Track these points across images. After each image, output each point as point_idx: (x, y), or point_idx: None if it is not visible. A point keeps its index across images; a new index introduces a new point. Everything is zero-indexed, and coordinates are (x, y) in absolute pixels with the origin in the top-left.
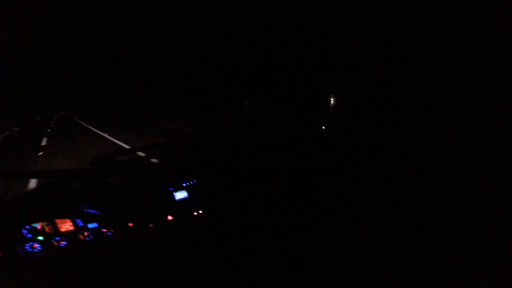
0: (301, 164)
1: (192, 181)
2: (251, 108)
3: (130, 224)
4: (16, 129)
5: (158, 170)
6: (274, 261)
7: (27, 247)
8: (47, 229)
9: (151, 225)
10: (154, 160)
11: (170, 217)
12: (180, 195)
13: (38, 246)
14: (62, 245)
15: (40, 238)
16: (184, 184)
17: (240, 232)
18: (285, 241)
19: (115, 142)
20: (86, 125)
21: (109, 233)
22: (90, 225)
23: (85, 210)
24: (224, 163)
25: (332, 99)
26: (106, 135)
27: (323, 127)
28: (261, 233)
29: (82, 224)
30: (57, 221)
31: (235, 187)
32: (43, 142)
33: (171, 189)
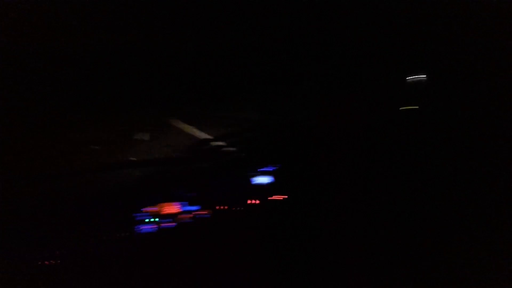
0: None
1: (277, 166)
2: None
3: (218, 207)
4: None
5: (243, 155)
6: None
7: (143, 228)
8: (158, 211)
9: (233, 208)
10: (237, 147)
11: (252, 201)
12: (263, 179)
13: (151, 227)
14: (169, 226)
15: (153, 220)
16: (267, 169)
17: (323, 221)
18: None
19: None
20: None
21: (203, 215)
22: (191, 208)
23: (187, 194)
24: (309, 150)
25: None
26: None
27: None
28: (344, 224)
29: (185, 207)
30: (166, 204)
31: (318, 174)
32: None
33: (254, 173)
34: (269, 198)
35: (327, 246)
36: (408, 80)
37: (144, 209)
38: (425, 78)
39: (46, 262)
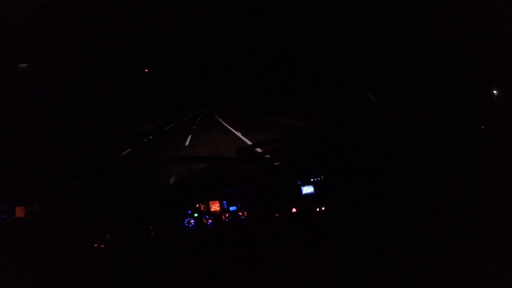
0: (450, 170)
1: (320, 177)
2: (379, 103)
3: (261, 211)
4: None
5: (288, 164)
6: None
7: (185, 222)
8: (202, 207)
9: (277, 215)
10: (283, 154)
11: (294, 210)
12: (307, 189)
13: (192, 222)
14: (209, 223)
15: (196, 215)
16: (311, 179)
17: (363, 235)
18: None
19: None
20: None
21: (243, 217)
22: (231, 208)
23: (229, 193)
24: (353, 162)
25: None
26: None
27: (482, 126)
28: (386, 239)
29: (226, 206)
30: (210, 202)
31: (362, 187)
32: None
33: (299, 182)
34: (315, 208)
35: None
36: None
37: (189, 206)
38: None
39: (96, 245)
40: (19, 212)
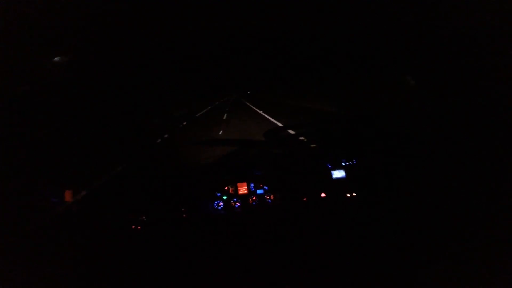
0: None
1: (352, 161)
2: (416, 87)
3: (288, 194)
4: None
5: (318, 147)
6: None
7: (214, 205)
8: (230, 190)
9: (304, 199)
10: (313, 137)
11: (323, 194)
12: (338, 174)
13: (222, 205)
14: (237, 206)
15: (224, 197)
16: (343, 164)
17: (393, 223)
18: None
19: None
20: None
21: (270, 200)
22: (258, 191)
23: (257, 176)
24: (388, 147)
25: None
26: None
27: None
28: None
29: (253, 189)
30: (238, 184)
31: (395, 174)
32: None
33: (329, 166)
34: (346, 193)
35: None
36: None
37: (218, 188)
38: None
39: (133, 226)
40: (68, 196)
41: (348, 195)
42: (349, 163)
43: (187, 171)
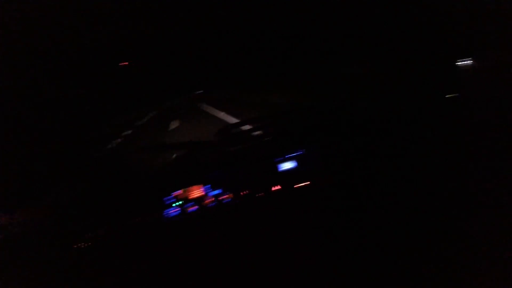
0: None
1: (301, 152)
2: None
3: (243, 193)
4: None
5: (266, 141)
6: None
7: (169, 212)
8: (183, 195)
9: (259, 194)
10: (262, 131)
11: (275, 188)
12: (287, 165)
13: (177, 211)
14: (194, 210)
15: (178, 203)
16: (291, 155)
17: (347, 209)
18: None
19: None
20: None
21: (228, 201)
22: (215, 192)
23: (211, 177)
24: (335, 134)
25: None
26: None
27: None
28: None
29: (208, 191)
30: (192, 187)
31: (345, 160)
32: None
33: (278, 159)
34: (295, 184)
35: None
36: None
37: (173, 193)
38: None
39: (81, 245)
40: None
41: (301, 185)
42: (298, 154)
43: (134, 181)
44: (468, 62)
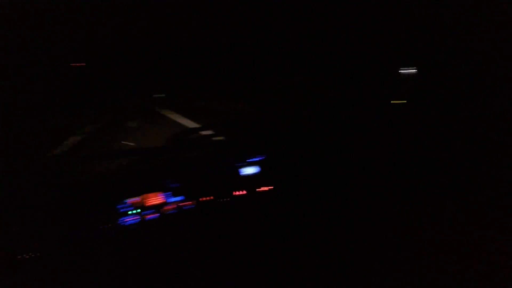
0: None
1: (262, 157)
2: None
3: (202, 199)
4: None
5: (226, 146)
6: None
7: (126, 220)
8: (141, 203)
9: (219, 199)
10: (222, 137)
11: (237, 192)
12: (248, 170)
13: (134, 219)
14: (154, 217)
15: (136, 211)
16: (252, 160)
17: (309, 210)
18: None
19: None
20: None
21: (188, 207)
22: (175, 199)
23: (170, 184)
24: (293, 139)
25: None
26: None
27: (391, 101)
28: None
29: (169, 198)
30: (149, 195)
31: (304, 163)
32: None
33: (238, 164)
34: (256, 189)
35: (317, 240)
36: (400, 73)
37: (128, 200)
38: (415, 71)
39: (26, 256)
40: None
41: (261, 189)
42: (258, 159)
43: (88, 189)
44: (412, 70)
